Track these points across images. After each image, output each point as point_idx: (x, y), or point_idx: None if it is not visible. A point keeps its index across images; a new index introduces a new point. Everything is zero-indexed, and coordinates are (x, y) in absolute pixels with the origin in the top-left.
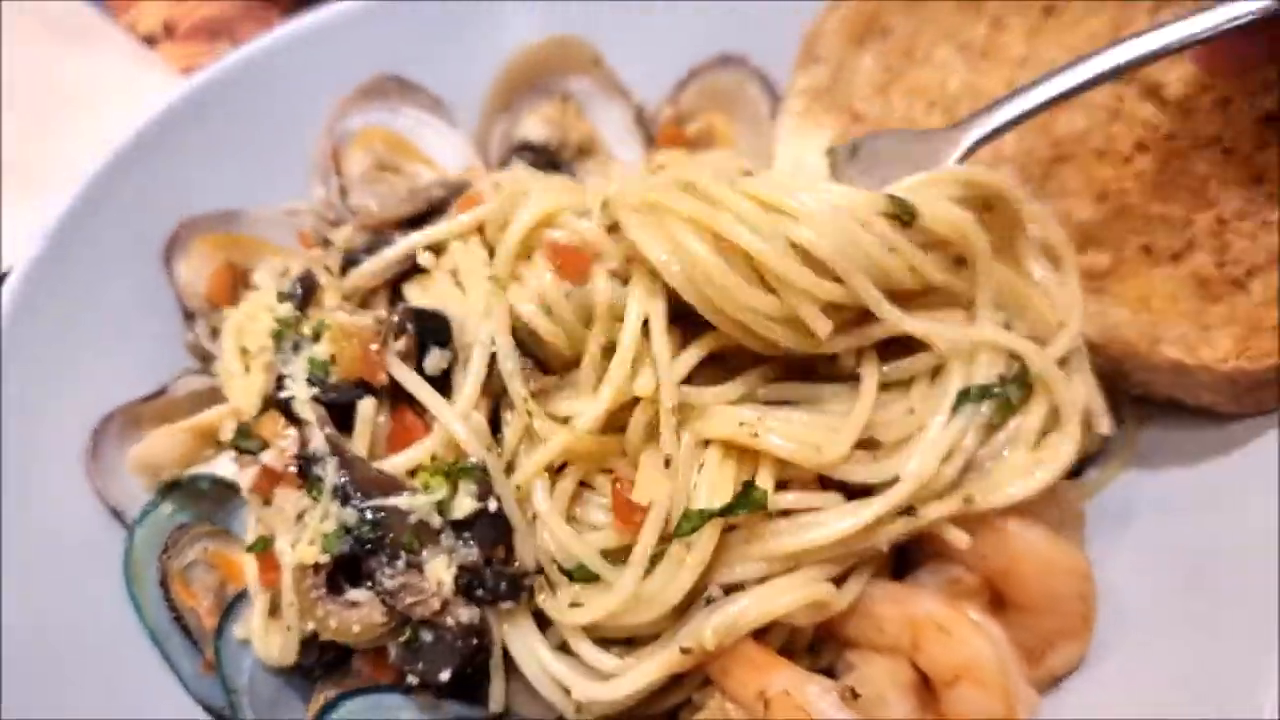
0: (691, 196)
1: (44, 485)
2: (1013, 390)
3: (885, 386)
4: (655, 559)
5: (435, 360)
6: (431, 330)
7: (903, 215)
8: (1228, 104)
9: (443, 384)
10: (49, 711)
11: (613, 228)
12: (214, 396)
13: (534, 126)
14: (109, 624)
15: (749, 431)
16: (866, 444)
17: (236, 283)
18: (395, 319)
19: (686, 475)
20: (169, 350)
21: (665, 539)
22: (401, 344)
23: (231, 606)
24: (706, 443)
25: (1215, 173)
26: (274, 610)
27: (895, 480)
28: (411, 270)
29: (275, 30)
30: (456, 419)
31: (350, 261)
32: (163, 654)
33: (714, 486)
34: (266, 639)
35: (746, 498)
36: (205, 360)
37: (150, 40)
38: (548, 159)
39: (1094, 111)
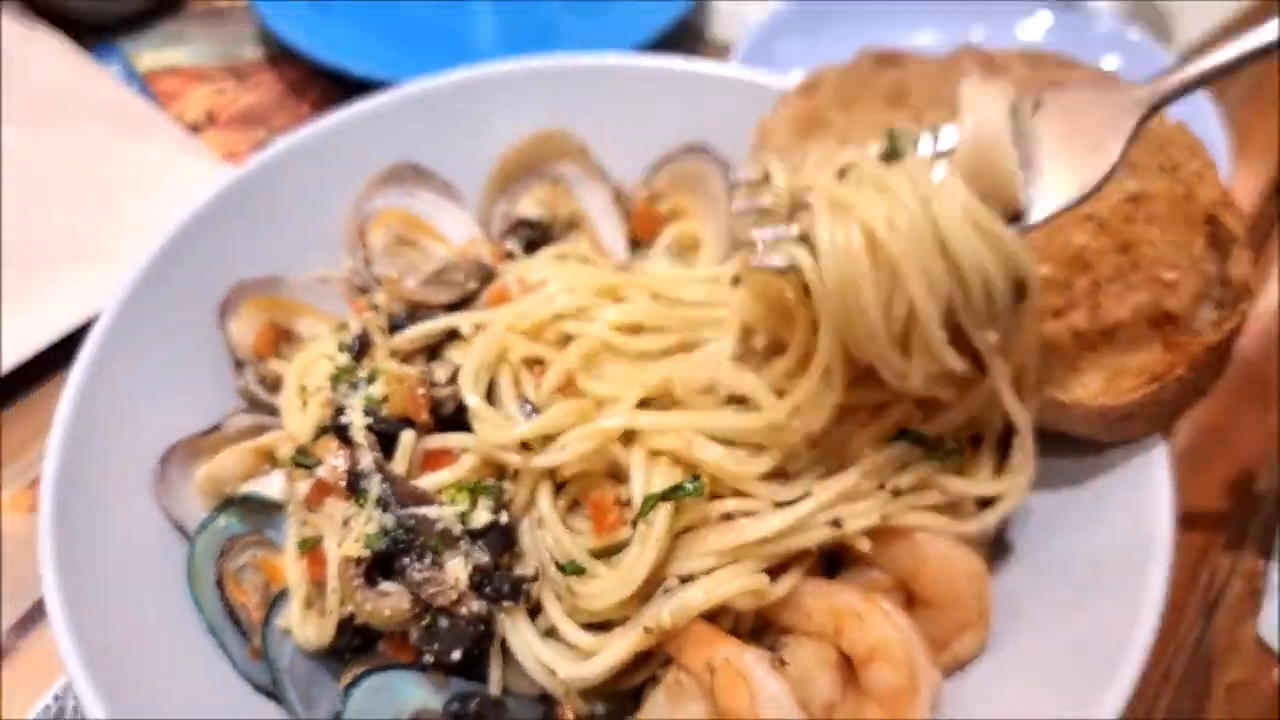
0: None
1: (118, 505)
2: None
3: None
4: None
5: None
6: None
7: None
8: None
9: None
10: (126, 696)
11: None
12: (259, 432)
13: (529, 206)
14: (174, 620)
15: (685, 443)
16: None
17: (279, 338)
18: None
19: (645, 476)
20: (222, 394)
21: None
22: (447, 392)
23: (275, 602)
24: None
25: (1091, 243)
26: (309, 603)
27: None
28: (447, 338)
29: (307, 125)
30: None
31: (393, 325)
32: (219, 643)
33: (665, 483)
34: (304, 626)
35: (692, 484)
36: (252, 403)
37: (195, 128)
38: (541, 233)
39: None
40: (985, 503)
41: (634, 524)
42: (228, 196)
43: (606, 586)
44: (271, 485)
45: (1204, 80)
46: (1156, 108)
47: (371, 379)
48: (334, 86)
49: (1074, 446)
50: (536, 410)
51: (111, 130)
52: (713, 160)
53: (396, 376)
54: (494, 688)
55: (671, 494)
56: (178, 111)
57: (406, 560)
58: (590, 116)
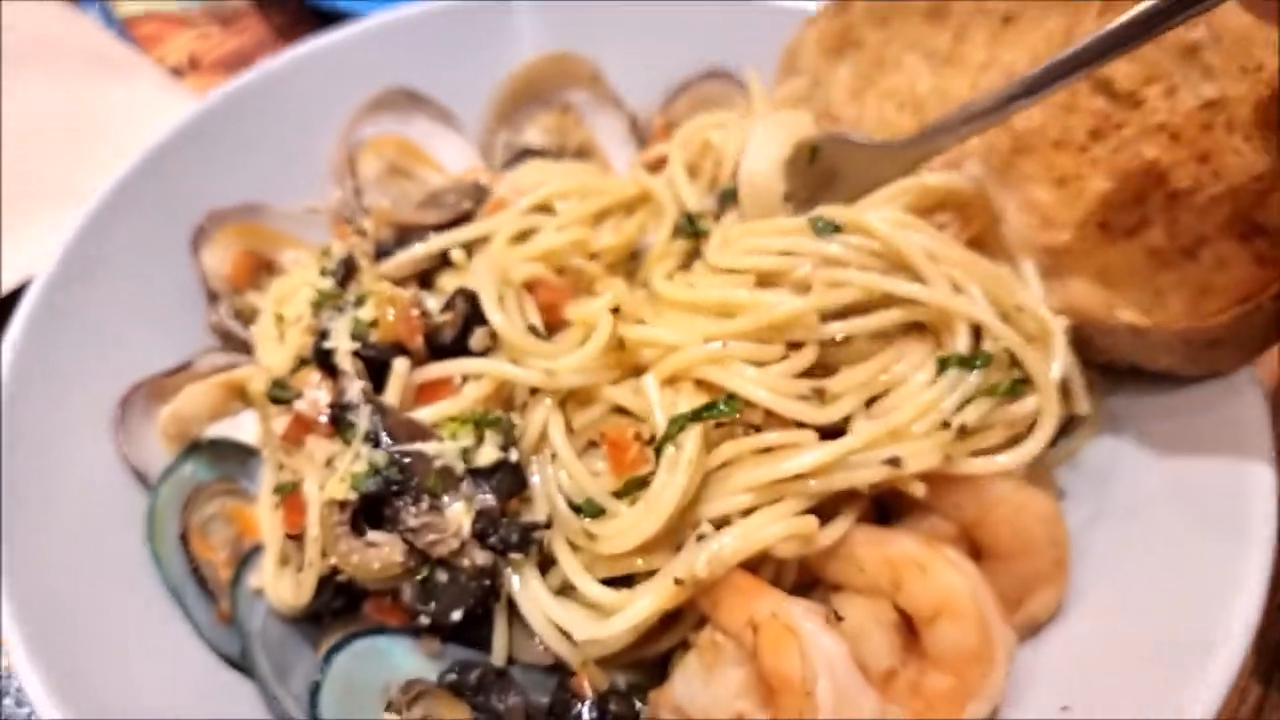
0: None
1: (73, 449)
2: (989, 364)
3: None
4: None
5: (480, 338)
6: (477, 312)
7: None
8: (1173, 93)
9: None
10: (69, 664)
11: None
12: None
13: (535, 134)
14: (129, 580)
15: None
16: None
17: (258, 269)
18: (449, 297)
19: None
20: (194, 330)
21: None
22: (446, 318)
23: (246, 559)
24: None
25: (1164, 155)
26: (285, 559)
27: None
28: (440, 265)
29: (293, 47)
30: (506, 364)
31: (380, 252)
32: (180, 605)
33: (691, 407)
34: (278, 585)
35: (725, 403)
36: (226, 339)
37: (177, 72)
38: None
39: (1050, 107)
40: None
41: (657, 451)
42: (204, 120)
43: (629, 523)
44: (244, 427)
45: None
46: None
47: (360, 302)
48: (326, 28)
49: (1153, 384)
50: (544, 336)
51: (91, 73)
52: (736, 85)
53: (388, 298)
54: (498, 656)
55: (703, 414)
56: (158, 56)
57: (400, 504)
58: (602, 40)
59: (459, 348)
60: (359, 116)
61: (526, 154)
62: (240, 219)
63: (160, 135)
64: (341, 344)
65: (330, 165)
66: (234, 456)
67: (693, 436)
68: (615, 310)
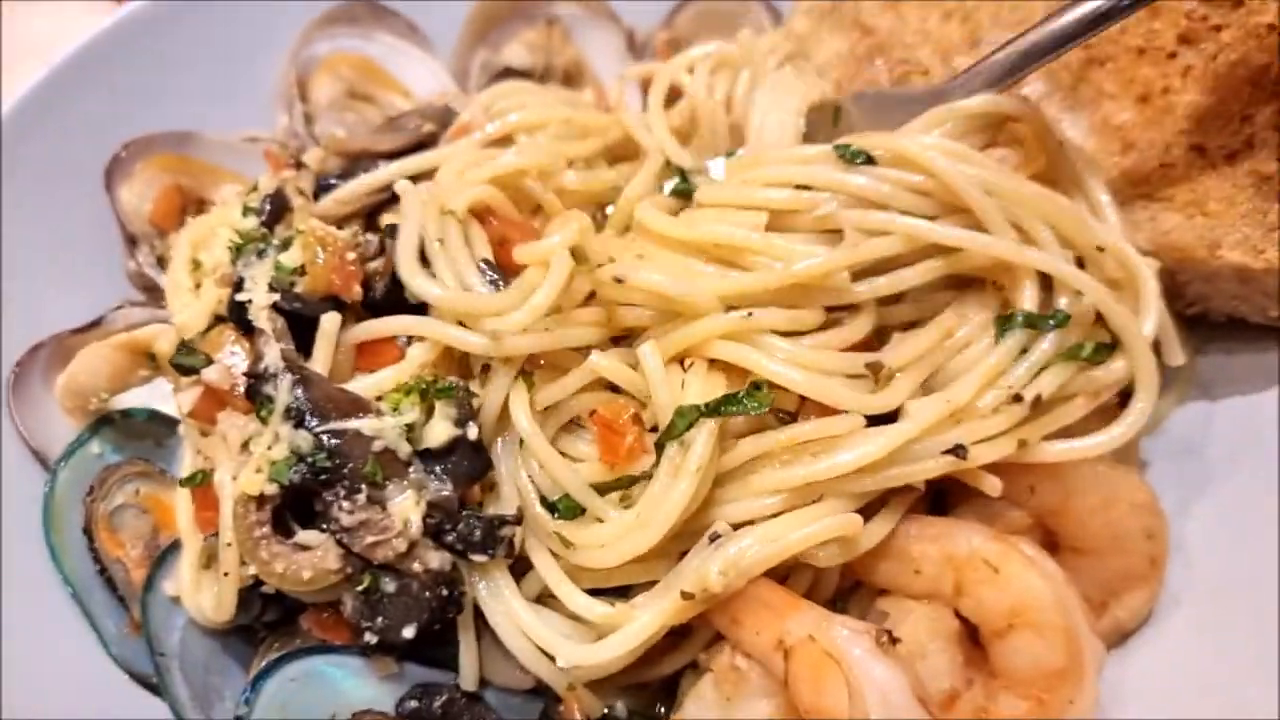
0: None
1: None
2: (1066, 324)
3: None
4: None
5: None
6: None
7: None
8: None
9: None
10: None
11: None
12: None
13: (517, 52)
14: (22, 577)
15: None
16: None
17: (185, 207)
18: (379, 237)
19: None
20: (109, 280)
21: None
22: (380, 263)
23: (163, 557)
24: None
25: (1274, 62)
26: (207, 561)
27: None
28: (389, 200)
29: None
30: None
31: (323, 187)
32: (83, 610)
33: (703, 393)
34: (196, 593)
35: (750, 394)
36: (148, 291)
37: None
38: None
39: None
40: None
41: (658, 446)
42: (124, 33)
43: (616, 533)
44: (164, 394)
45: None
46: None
47: (285, 245)
48: None
49: (1254, 341)
50: (500, 276)
51: None
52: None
53: (318, 238)
54: (467, 679)
55: (720, 409)
56: None
57: (330, 498)
58: None
59: (398, 300)
60: (312, 30)
61: (507, 75)
62: (166, 148)
63: (70, 50)
64: (258, 297)
65: (277, 87)
66: (150, 433)
67: (704, 434)
68: (575, 252)
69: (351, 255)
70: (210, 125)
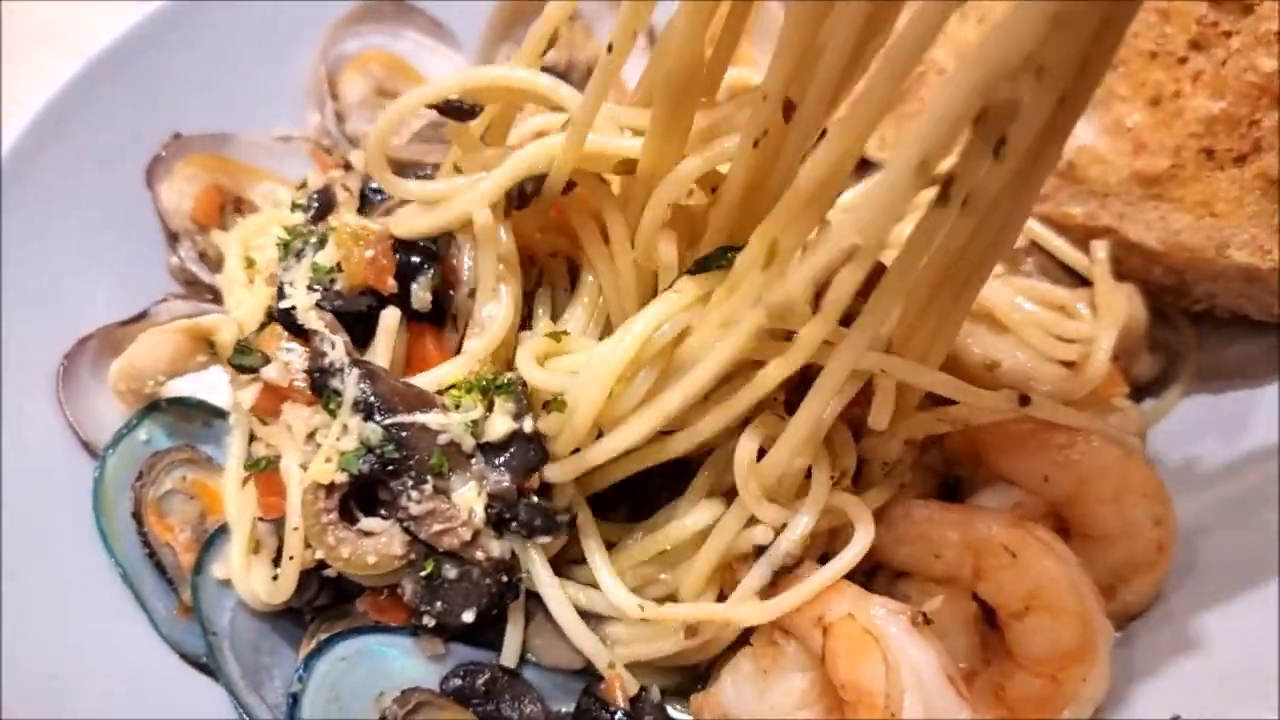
0: None
1: (9, 412)
2: None
3: None
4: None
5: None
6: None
7: None
8: None
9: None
10: (6, 658)
11: None
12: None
13: None
14: (74, 561)
15: None
16: None
17: (225, 205)
18: None
19: None
20: (151, 275)
21: None
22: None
23: (212, 540)
24: None
25: None
26: (256, 546)
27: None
28: None
29: None
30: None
31: (372, 190)
32: (134, 593)
33: None
34: (247, 576)
35: None
36: (189, 285)
37: None
38: None
39: (1142, 13)
40: None
41: None
42: (159, 29)
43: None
44: (214, 385)
45: None
46: None
47: (322, 242)
48: None
49: (1256, 336)
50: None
51: None
52: None
53: (352, 234)
54: (509, 657)
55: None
56: None
57: (399, 488)
58: None
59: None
60: (340, 28)
61: None
62: (205, 148)
63: (110, 40)
64: (299, 300)
65: (307, 86)
66: (199, 419)
67: None
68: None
69: (378, 250)
70: (240, 122)
